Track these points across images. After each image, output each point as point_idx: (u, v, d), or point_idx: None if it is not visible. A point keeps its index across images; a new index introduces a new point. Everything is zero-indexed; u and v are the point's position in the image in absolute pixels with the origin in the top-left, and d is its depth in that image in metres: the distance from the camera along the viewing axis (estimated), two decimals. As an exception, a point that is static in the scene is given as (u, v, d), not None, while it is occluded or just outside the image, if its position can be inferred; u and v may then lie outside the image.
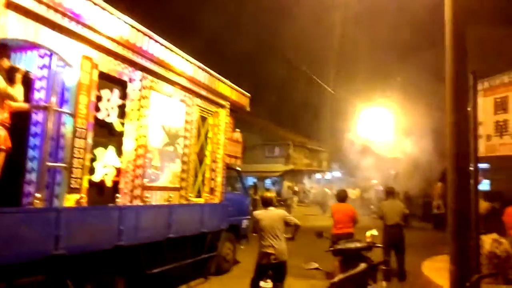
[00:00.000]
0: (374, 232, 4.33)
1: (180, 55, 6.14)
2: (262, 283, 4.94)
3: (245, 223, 8.77)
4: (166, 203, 5.90)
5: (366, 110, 23.14)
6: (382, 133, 22.85)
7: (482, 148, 4.50)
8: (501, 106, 4.36)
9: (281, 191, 26.38)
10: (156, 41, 5.58)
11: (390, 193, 8.03)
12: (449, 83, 4.63)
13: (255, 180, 27.75)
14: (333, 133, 33.94)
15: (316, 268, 4.24)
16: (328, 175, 37.56)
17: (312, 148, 35.01)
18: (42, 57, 4.75)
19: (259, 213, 5.40)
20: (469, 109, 4.39)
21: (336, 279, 3.57)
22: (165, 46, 5.79)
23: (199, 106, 7.00)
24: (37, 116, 4.59)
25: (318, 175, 37.15)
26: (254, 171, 26.26)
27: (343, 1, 16.14)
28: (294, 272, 5.58)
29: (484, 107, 4.45)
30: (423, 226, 18.15)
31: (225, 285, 7.27)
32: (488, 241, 5.27)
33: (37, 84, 4.70)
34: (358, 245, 4.89)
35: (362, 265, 3.59)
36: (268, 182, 30.56)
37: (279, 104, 31.07)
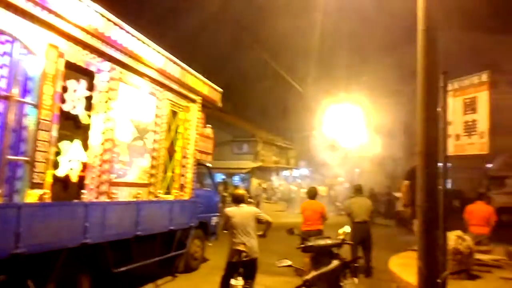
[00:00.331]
0: (347, 229, 4.36)
1: (151, 47, 5.95)
2: (233, 281, 4.87)
3: (214, 220, 8.67)
4: (134, 199, 5.71)
5: (333, 108, 23.47)
6: (348, 131, 23.26)
7: (451, 148, 4.61)
8: (470, 107, 4.49)
9: (250, 188, 26.38)
10: (127, 32, 5.38)
11: (358, 190, 8.18)
12: (420, 83, 4.71)
13: (223, 176, 27.62)
14: (301, 130, 34.32)
15: (289, 265, 4.22)
16: (295, 173, 37.92)
17: (280, 145, 35.23)
18: (2, 43, 4.45)
19: (231, 210, 5.33)
20: (439, 109, 4.50)
21: (309, 276, 3.56)
22: (136, 37, 5.59)
23: (170, 100, 6.83)
24: (-3, 107, 4.31)
25: (286, 172, 37.43)
26: (222, 167, 26.09)
27: None
28: (264, 269, 5.55)
29: (454, 107, 4.57)
30: (386, 223, 18.67)
31: (193, 283, 7.15)
32: (452, 237, 5.44)
33: (-2, 73, 4.42)
34: (329, 242, 4.91)
35: (335, 262, 3.59)
36: (236, 179, 30.51)
37: (248, 100, 31.04)
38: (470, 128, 4.52)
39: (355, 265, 3.81)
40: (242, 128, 30.90)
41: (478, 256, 6.09)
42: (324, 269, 3.53)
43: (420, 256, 4.39)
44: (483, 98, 4.41)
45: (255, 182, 28.29)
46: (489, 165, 19.42)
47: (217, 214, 8.74)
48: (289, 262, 4.11)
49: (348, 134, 23.18)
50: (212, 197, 9.04)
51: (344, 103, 22.69)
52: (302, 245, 5.03)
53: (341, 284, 3.61)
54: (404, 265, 5.90)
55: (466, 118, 4.55)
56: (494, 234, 7.84)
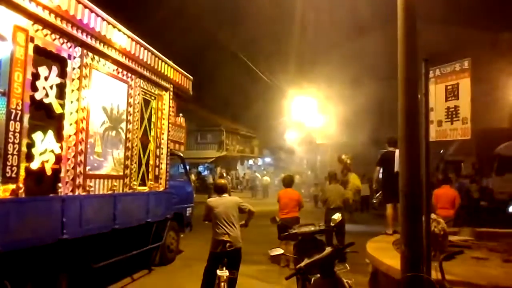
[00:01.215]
0: (340, 216, 4.39)
1: (122, 31, 5.67)
2: (219, 271, 4.79)
3: (188, 211, 8.52)
4: (110, 192, 5.47)
5: (295, 97, 23.69)
6: (310, 120, 23.61)
7: (433, 133, 4.72)
8: (452, 93, 4.61)
9: (215, 177, 26.24)
10: (98, 15, 5.09)
11: (332, 177, 8.28)
12: (401, 70, 4.77)
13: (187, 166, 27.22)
14: (265, 119, 34.49)
15: (282, 254, 4.19)
16: (260, 161, 38.12)
17: (244, 134, 35.21)
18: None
19: (213, 201, 5.23)
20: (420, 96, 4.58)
21: (302, 263, 3.52)
22: (107, 21, 5.30)
23: (142, 88, 6.57)
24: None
25: (250, 161, 37.54)
26: (186, 157, 25.72)
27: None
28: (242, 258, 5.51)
29: (436, 94, 4.67)
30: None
31: (170, 275, 7.01)
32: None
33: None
34: (312, 228, 4.93)
35: (328, 249, 3.58)
36: (200, 168, 30.22)
37: (211, 89, 30.67)
38: (452, 114, 4.64)
39: (348, 251, 3.81)
40: (206, 118, 30.58)
41: (449, 237, 6.33)
42: (318, 256, 3.51)
43: (403, 240, 4.49)
44: (465, 85, 4.54)
45: (219, 171, 28.18)
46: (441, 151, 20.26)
47: (192, 205, 8.59)
48: (281, 251, 4.07)
49: (310, 122, 23.54)
50: (186, 187, 8.87)
51: (306, 92, 22.98)
52: (286, 233, 5.02)
53: (335, 270, 3.61)
54: (382, 249, 6.03)
55: (448, 104, 4.67)
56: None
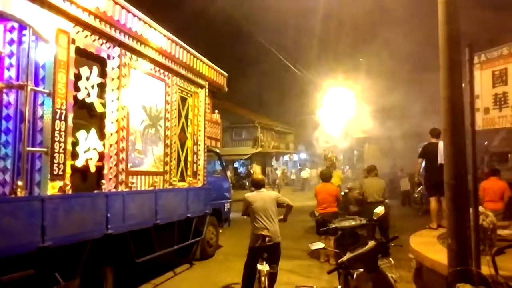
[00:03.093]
0: (383, 209, 4.27)
1: (158, 31, 5.77)
2: (259, 266, 4.79)
3: (227, 206, 8.60)
4: (151, 188, 5.59)
5: (332, 90, 23.29)
6: (346, 114, 23.15)
7: (480, 122, 4.49)
8: (500, 79, 4.37)
9: (251, 173, 26.38)
10: (134, 15, 5.19)
11: (371, 170, 8.09)
12: (443, 57, 4.59)
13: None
14: (300, 114, 34.23)
15: (323, 248, 4.14)
16: (295, 157, 37.92)
17: (279, 130, 35.10)
18: (10, 31, 4.27)
19: (251, 196, 5.23)
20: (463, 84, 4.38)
21: (344, 258, 3.46)
22: (143, 20, 5.40)
23: (179, 86, 6.67)
24: (9, 97, 4.15)
25: (286, 157, 37.41)
26: (222, 154, 25.98)
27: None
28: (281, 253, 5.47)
29: (482, 81, 4.44)
30: (390, 203, 18.69)
31: (211, 270, 7.09)
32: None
33: (6, 62, 4.24)
34: (353, 223, 4.82)
35: (372, 243, 3.49)
36: (236, 165, 30.44)
37: (245, 85, 30.76)
38: (500, 101, 4.40)
39: (392, 245, 3.70)
40: (240, 114, 30.73)
41: (498, 231, 6.03)
42: (361, 250, 3.43)
43: (449, 233, 4.32)
44: (514, 69, 4.31)
45: (257, 168, 28.29)
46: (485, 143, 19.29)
47: (229, 200, 8.66)
48: (322, 245, 4.02)
49: (347, 116, 23.08)
50: (224, 183, 8.94)
51: (342, 85, 22.54)
52: (326, 228, 4.95)
53: (379, 264, 3.52)
54: (427, 244, 5.84)
55: (496, 90, 4.43)
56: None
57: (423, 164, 7.46)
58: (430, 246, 5.68)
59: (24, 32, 4.08)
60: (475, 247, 4.03)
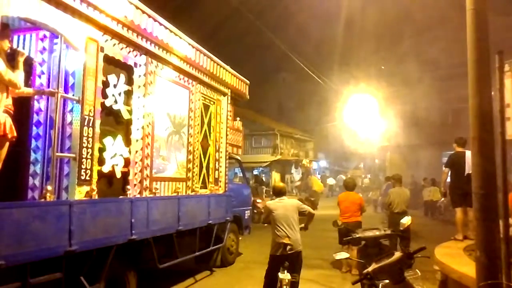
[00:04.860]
0: (409, 220, 4.20)
1: (183, 39, 5.85)
2: (281, 274, 4.76)
3: (247, 213, 8.59)
4: (174, 194, 5.64)
5: (353, 98, 23.09)
6: (368, 122, 22.89)
7: (510, 131, 4.38)
8: (532, 87, 4.27)
9: (270, 181, 26.32)
10: (160, 24, 5.29)
11: (398, 180, 7.96)
12: (471, 65, 4.51)
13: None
14: (319, 122, 34.06)
15: (348, 258, 4.08)
16: (315, 165, 37.66)
17: (298, 138, 34.95)
18: (42, 40, 4.41)
19: (272, 203, 5.21)
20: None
21: (370, 268, 3.39)
22: (169, 29, 5.50)
23: (202, 94, 6.74)
24: (40, 104, 4.27)
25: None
26: (242, 161, 26.00)
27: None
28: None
29: (513, 89, 4.34)
30: (413, 212, 18.34)
31: (232, 277, 7.07)
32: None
33: (38, 69, 4.38)
34: (377, 233, 4.75)
35: (397, 254, 3.42)
36: (255, 172, 30.40)
37: (264, 93, 30.85)
38: (532, 110, 4.30)
39: (419, 256, 3.62)
40: (259, 122, 30.75)
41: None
42: (387, 261, 3.36)
43: (478, 246, 4.20)
44: (547, 77, 4.19)
45: (274, 175, 28.23)
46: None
47: (250, 207, 8.65)
48: (347, 255, 3.96)
49: (368, 124, 22.81)
50: (244, 190, 8.95)
51: (363, 93, 22.32)
52: (349, 237, 4.88)
53: (405, 276, 3.45)
54: (452, 255, 5.70)
55: (528, 99, 4.33)
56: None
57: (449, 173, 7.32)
58: (456, 258, 5.54)
59: (55, 40, 4.20)
60: (505, 260, 3.91)
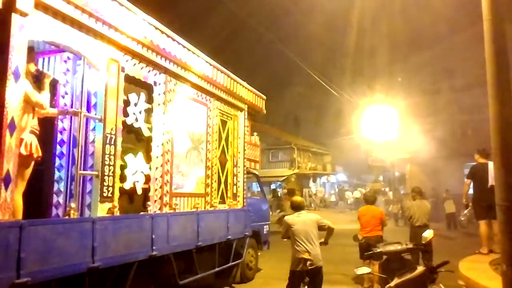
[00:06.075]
0: (431, 234, 4.14)
1: (200, 57, 5.96)
2: (301, 291, 4.72)
3: (266, 228, 8.57)
4: (194, 210, 5.69)
5: (370, 110, 22.89)
6: (387, 134, 22.63)
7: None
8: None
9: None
10: (179, 43, 5.41)
11: (418, 193, 7.84)
12: (490, 74, 4.48)
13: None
14: (336, 135, 33.88)
15: (369, 273, 4.04)
16: (333, 179, 37.37)
17: (316, 152, 34.86)
18: (65, 61, 4.58)
19: (291, 218, 5.19)
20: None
21: (392, 283, 3.36)
22: (187, 48, 5.61)
23: (220, 110, 6.82)
24: (63, 123, 4.41)
25: (323, 179, 36.92)
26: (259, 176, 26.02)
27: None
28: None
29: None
30: (434, 226, 17.94)
31: (251, 293, 7.04)
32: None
33: (61, 90, 4.53)
34: (399, 247, 4.69)
35: (420, 268, 3.38)
36: (273, 186, 30.34)
37: (282, 107, 30.96)
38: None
39: (442, 270, 3.57)
40: (276, 136, 30.81)
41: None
42: (410, 276, 3.33)
43: (504, 259, 4.11)
44: None
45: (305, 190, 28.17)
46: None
47: (268, 222, 8.63)
48: (368, 270, 3.93)
49: (386, 136, 22.56)
50: (263, 205, 8.94)
51: (380, 105, 22.15)
52: (371, 252, 4.83)
53: (429, 290, 3.40)
54: (477, 269, 5.57)
55: (551, 108, 4.26)
56: None
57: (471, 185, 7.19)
58: (481, 272, 5.41)
59: (78, 62, 4.35)
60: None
